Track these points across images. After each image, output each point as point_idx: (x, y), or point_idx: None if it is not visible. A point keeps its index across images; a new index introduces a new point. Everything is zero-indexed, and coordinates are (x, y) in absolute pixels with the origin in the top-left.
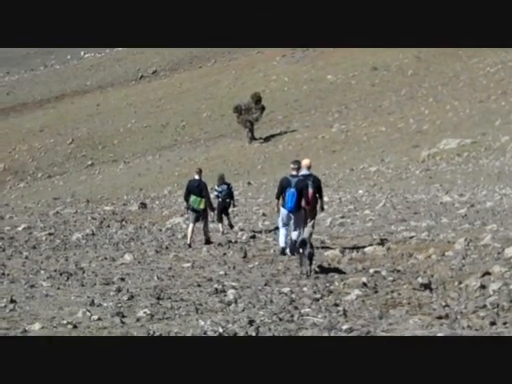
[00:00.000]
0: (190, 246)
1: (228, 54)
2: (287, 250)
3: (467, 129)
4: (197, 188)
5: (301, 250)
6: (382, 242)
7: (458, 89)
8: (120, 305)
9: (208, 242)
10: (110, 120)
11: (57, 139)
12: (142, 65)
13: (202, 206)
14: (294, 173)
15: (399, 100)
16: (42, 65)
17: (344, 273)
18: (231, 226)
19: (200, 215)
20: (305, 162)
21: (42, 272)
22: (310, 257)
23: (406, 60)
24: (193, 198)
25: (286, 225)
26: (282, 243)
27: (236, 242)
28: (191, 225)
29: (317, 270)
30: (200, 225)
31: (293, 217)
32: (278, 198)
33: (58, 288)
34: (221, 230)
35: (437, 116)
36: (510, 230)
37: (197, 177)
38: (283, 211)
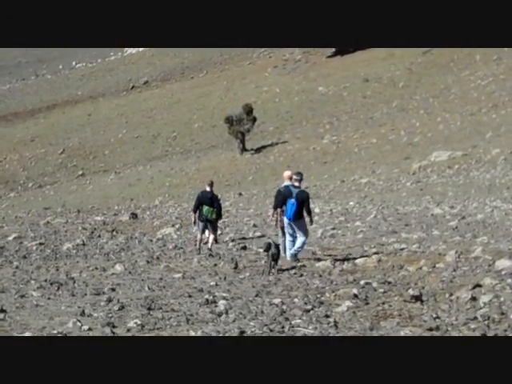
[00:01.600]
0: (199, 250)
1: (220, 64)
2: (292, 254)
3: (458, 141)
4: (209, 200)
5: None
6: (373, 254)
7: (449, 101)
8: (111, 315)
9: (216, 241)
10: (101, 130)
11: (48, 149)
12: (133, 75)
13: (214, 216)
14: (296, 184)
15: (390, 112)
16: (33, 74)
17: (335, 284)
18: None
19: (210, 225)
20: (285, 174)
21: (33, 282)
22: (274, 258)
23: (397, 72)
24: (205, 208)
25: (289, 234)
26: (287, 251)
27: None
28: (199, 234)
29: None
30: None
31: (294, 225)
32: (280, 207)
33: (49, 298)
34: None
35: (428, 128)
36: (501, 242)
37: (208, 189)
38: (285, 221)
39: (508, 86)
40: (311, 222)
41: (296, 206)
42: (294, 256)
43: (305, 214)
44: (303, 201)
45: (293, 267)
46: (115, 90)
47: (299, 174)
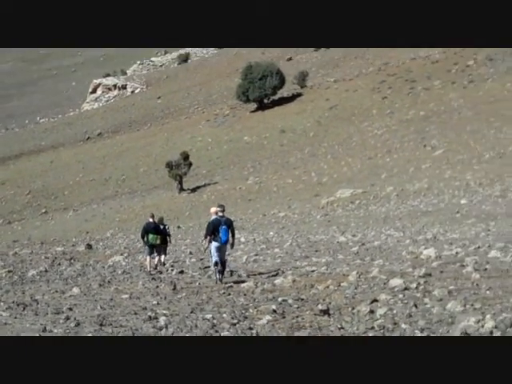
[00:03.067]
0: (150, 272)
1: (161, 119)
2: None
3: (359, 181)
4: (153, 229)
5: (217, 267)
6: (288, 275)
7: (351, 148)
8: (68, 331)
9: (156, 267)
10: (61, 174)
11: (16, 191)
12: (88, 128)
13: (158, 242)
14: (220, 214)
15: (303, 157)
16: (3, 128)
17: (257, 301)
18: (163, 264)
19: (155, 249)
20: (212, 210)
21: (2, 303)
22: (221, 270)
23: (308, 124)
24: (151, 236)
25: (218, 253)
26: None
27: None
28: (148, 257)
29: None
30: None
31: (223, 249)
32: (210, 234)
33: (15, 317)
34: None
35: (334, 170)
36: (394, 264)
37: (151, 220)
38: (216, 244)
39: (399, 135)
40: (232, 245)
41: (226, 230)
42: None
43: (230, 237)
44: (231, 224)
45: (222, 288)
46: (73, 140)
47: (221, 205)
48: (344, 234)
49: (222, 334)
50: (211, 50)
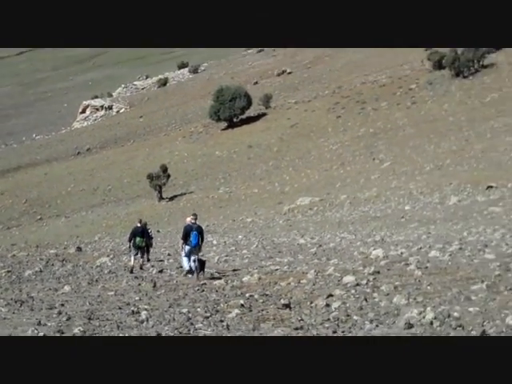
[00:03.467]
0: (131, 271)
1: (143, 135)
2: (190, 270)
3: (316, 190)
4: (140, 233)
5: (196, 264)
6: (255, 274)
7: (309, 161)
8: (60, 324)
9: (141, 267)
10: (54, 185)
11: (14, 200)
12: (78, 144)
13: (143, 244)
14: (193, 221)
15: (268, 169)
16: (3, 144)
17: (227, 297)
18: (148, 260)
19: (140, 250)
20: (187, 219)
21: (1, 300)
22: (201, 267)
23: (272, 140)
24: (138, 238)
25: (188, 256)
26: (187, 267)
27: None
28: (133, 257)
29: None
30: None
31: (195, 250)
32: (184, 238)
33: (14, 312)
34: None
35: (295, 181)
36: (347, 263)
37: (139, 224)
38: (188, 247)
39: (351, 149)
40: (200, 248)
41: (197, 235)
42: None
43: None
44: (201, 231)
45: (197, 285)
46: (65, 155)
47: (195, 214)
48: (303, 237)
49: (196, 326)
50: (187, 75)
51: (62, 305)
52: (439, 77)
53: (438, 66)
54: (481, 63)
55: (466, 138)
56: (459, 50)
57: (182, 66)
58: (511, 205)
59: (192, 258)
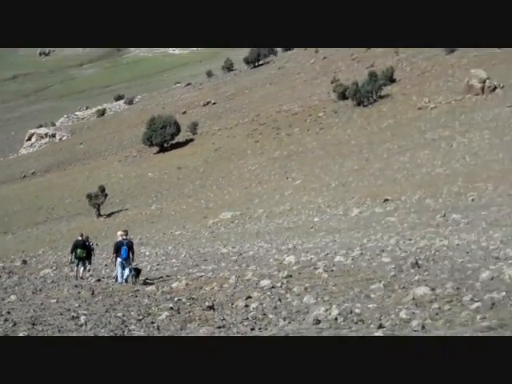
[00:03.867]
0: (76, 278)
1: (83, 160)
2: (123, 280)
3: (237, 205)
4: (81, 245)
5: (132, 273)
6: (183, 280)
7: (231, 180)
8: (7, 330)
9: (82, 277)
10: (2, 205)
11: None
12: (24, 168)
13: (84, 255)
14: (124, 237)
15: (195, 188)
16: None
17: (158, 301)
18: (88, 270)
19: (81, 261)
20: (118, 233)
21: None
22: (137, 274)
23: (199, 162)
24: (79, 250)
25: (121, 267)
26: (120, 279)
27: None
28: (76, 267)
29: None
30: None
31: (125, 262)
32: (115, 252)
33: None
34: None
35: (218, 198)
36: (263, 269)
37: (80, 238)
38: (119, 260)
39: (268, 169)
40: (132, 259)
41: (127, 250)
42: (126, 281)
43: (130, 254)
44: (131, 246)
45: (131, 291)
46: (12, 178)
47: (125, 231)
48: (226, 247)
49: (130, 328)
50: (123, 106)
51: (9, 312)
52: (343, 106)
53: (342, 96)
54: (378, 94)
55: (366, 158)
56: (360, 83)
57: (119, 98)
58: (405, 215)
59: (126, 269)
